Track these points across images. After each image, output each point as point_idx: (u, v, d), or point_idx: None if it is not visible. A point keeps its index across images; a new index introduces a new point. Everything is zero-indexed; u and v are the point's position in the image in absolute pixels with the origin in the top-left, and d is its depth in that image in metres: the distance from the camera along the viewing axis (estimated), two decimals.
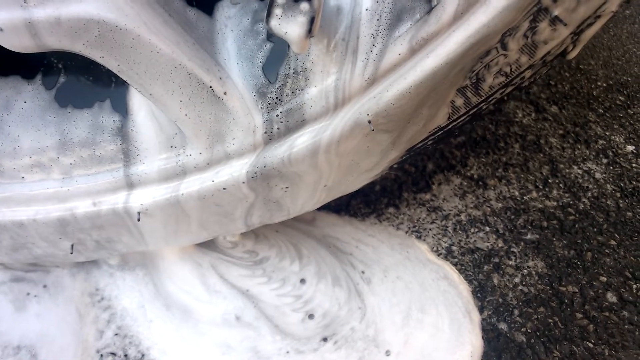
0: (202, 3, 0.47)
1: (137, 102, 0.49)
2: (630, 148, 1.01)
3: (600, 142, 1.01)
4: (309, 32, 0.40)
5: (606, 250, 0.79)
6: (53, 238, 0.55)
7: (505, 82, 0.50)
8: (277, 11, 0.39)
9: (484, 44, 0.44)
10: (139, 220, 0.53)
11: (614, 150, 1.00)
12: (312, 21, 0.39)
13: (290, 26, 0.39)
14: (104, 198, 0.52)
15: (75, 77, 0.49)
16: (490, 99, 0.52)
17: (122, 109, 0.49)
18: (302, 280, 0.58)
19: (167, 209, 0.53)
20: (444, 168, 0.90)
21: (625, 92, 1.17)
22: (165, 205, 0.53)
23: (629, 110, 1.11)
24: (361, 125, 0.48)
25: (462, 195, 0.85)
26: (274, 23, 0.40)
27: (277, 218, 0.60)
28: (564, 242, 0.80)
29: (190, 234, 0.59)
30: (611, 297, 0.73)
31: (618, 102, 1.13)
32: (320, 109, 0.48)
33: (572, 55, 0.50)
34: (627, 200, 0.89)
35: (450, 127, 0.54)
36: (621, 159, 0.98)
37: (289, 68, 0.46)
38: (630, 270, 0.77)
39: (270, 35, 0.46)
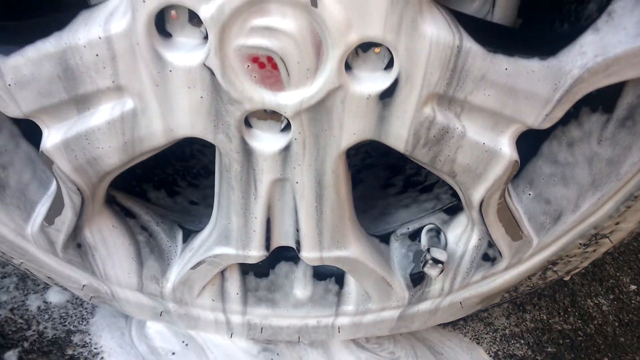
0: (383, 237, 1.00)
1: (347, 278, 1.02)
2: (633, 287, 1.45)
3: (611, 281, 1.46)
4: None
5: None
6: (292, 334, 1.09)
7: (530, 289, 1.00)
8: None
9: (517, 282, 0.95)
10: (339, 332, 1.06)
11: (620, 288, 1.44)
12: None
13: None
14: (322, 319, 1.06)
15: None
16: (524, 292, 1.02)
17: (340, 283, 1.03)
18: None
19: (351, 326, 1.06)
20: None
21: (639, 238, 1.60)
22: (351, 324, 1.06)
23: (639, 255, 1.54)
24: (454, 304, 1.00)
25: (507, 315, 1.33)
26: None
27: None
28: (572, 355, 1.25)
29: (358, 335, 1.11)
30: None
31: (632, 247, 1.57)
32: (436, 295, 0.99)
33: (566, 278, 0.99)
34: (622, 329, 1.33)
35: (501, 301, 1.04)
36: (624, 296, 1.42)
37: (424, 276, 0.98)
38: None
39: (414, 260, 0.98)
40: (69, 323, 1.14)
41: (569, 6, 0.85)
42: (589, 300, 1.40)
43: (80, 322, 1.14)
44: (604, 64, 0.65)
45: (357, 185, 1.20)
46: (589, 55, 0.65)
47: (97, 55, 0.66)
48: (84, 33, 0.66)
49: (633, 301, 1.40)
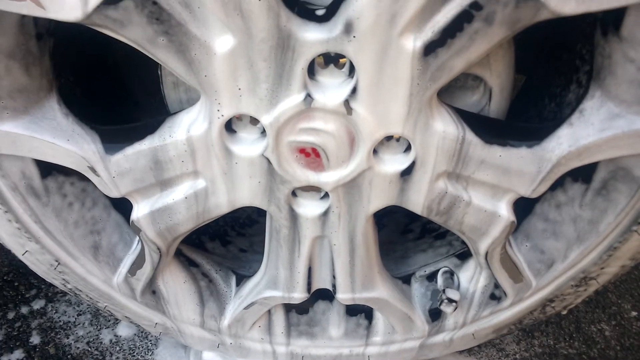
0: (405, 279, 1.18)
1: (376, 314, 1.19)
2: (634, 313, 1.59)
3: (613, 307, 1.60)
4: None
5: None
6: None
7: (533, 321, 1.16)
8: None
9: (520, 316, 1.11)
10: (368, 359, 1.24)
11: (621, 314, 1.58)
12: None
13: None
14: (354, 349, 1.23)
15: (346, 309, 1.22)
16: (527, 324, 1.18)
17: (369, 318, 1.20)
18: None
19: (379, 354, 1.24)
20: None
21: (639, 266, 1.74)
22: (379, 353, 1.23)
23: (639, 283, 1.68)
24: (468, 335, 1.16)
25: (518, 341, 1.48)
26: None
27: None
28: None
29: None
30: None
31: (633, 275, 1.71)
32: (451, 327, 1.16)
33: (564, 312, 1.15)
34: (624, 353, 1.48)
35: (509, 332, 1.21)
36: (625, 322, 1.56)
37: (440, 312, 1.15)
38: None
39: (432, 299, 1.16)
40: (137, 354, 1.33)
41: (555, 89, 1.03)
42: (593, 326, 1.54)
43: (147, 353, 1.34)
44: (577, 152, 0.82)
45: (381, 231, 1.38)
46: (564, 145, 0.82)
47: (181, 154, 0.86)
48: (170, 137, 0.86)
49: (634, 326, 1.55)
